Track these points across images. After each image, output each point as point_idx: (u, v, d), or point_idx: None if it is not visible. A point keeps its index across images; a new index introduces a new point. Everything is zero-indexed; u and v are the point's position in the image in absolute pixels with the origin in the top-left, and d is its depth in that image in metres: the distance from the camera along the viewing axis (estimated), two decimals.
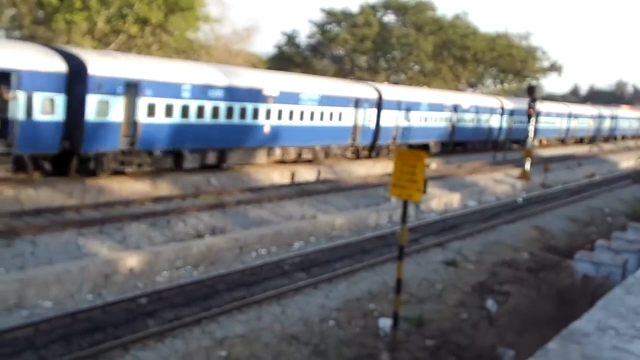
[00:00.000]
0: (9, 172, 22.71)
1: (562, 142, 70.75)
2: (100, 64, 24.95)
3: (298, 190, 28.50)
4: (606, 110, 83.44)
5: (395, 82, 69.67)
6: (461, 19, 79.29)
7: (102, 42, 44.64)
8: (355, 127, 38.60)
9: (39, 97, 22.89)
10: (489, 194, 35.93)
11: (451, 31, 75.96)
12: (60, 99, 23.59)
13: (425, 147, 43.89)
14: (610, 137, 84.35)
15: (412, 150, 13.28)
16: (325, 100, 36.02)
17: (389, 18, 78.29)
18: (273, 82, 33.34)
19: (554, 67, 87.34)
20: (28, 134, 22.70)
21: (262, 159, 32.66)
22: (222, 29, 57.42)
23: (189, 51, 50.60)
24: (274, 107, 32.52)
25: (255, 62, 65.23)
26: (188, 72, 28.95)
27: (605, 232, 24.62)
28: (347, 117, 37.85)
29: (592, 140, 77.39)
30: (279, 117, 32.86)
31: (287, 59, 72.14)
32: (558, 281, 16.19)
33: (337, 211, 26.52)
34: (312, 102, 35.10)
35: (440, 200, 31.35)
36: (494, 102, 56.29)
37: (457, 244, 23.77)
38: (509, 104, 57.43)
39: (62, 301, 15.41)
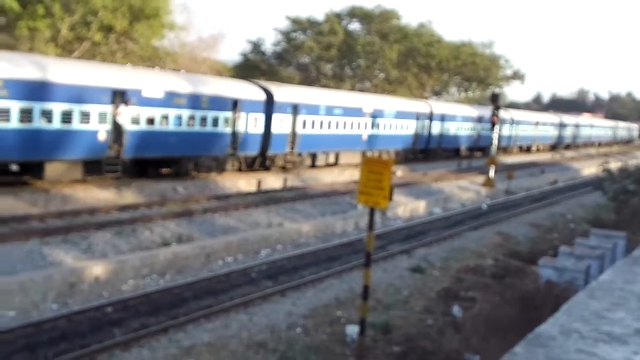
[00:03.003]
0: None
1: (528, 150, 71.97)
2: (280, 93, 35.57)
3: (265, 198, 28.50)
4: (568, 119, 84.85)
5: (361, 90, 69.94)
6: (426, 27, 79.88)
7: (66, 50, 44.24)
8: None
9: (252, 117, 33.43)
10: (454, 202, 36.24)
11: (416, 40, 76.47)
12: (261, 118, 34.09)
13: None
14: (573, 144, 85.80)
15: (379, 159, 13.38)
16: None
17: (355, 26, 78.60)
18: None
19: (517, 76, 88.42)
20: (246, 142, 33.29)
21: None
22: (187, 36, 57.33)
23: (154, 59, 50.36)
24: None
25: (220, 70, 65.13)
26: (329, 97, 40.98)
27: (568, 238, 24.95)
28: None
29: (555, 147, 78.66)
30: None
31: (253, 66, 72.06)
32: (522, 287, 16.37)
33: (304, 219, 26.56)
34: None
35: (407, 208, 31.54)
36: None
37: (423, 251, 23.96)
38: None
39: (26, 311, 15.21)
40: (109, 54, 46.63)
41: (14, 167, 23.71)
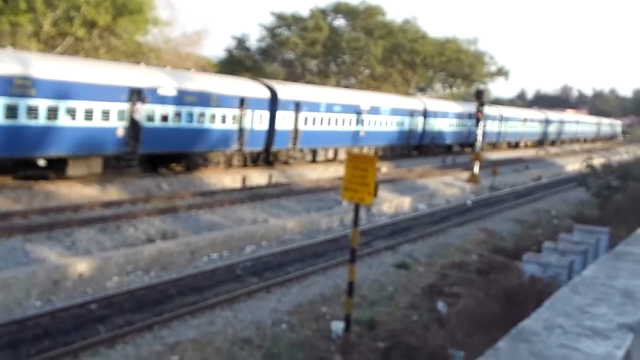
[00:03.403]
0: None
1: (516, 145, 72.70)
2: (283, 90, 36.82)
3: (250, 195, 28.47)
4: (553, 115, 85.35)
5: (346, 86, 69.96)
6: (410, 23, 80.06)
7: (49, 45, 43.94)
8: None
9: (257, 114, 34.65)
10: (439, 197, 36.34)
11: (401, 36, 76.62)
12: (266, 115, 35.23)
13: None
14: (558, 140, 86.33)
15: (364, 154, 13.40)
16: None
17: (339, 22, 78.65)
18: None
19: (501, 72, 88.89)
20: (251, 138, 34.34)
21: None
22: (171, 32, 57.13)
23: (138, 54, 50.10)
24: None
25: (205, 66, 64.93)
26: (329, 95, 42.79)
27: (552, 233, 25.07)
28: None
29: (541, 143, 79.12)
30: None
31: (237, 62, 71.92)
32: (506, 282, 16.44)
33: (289, 215, 26.55)
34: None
35: (391, 204, 31.60)
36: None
37: (408, 246, 24.02)
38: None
39: (9, 308, 15.11)
40: (92, 49, 46.37)
41: (41, 162, 24.95)
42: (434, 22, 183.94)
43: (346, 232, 23.84)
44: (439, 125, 55.79)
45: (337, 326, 14.81)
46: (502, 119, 67.20)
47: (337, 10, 77.35)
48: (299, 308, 16.54)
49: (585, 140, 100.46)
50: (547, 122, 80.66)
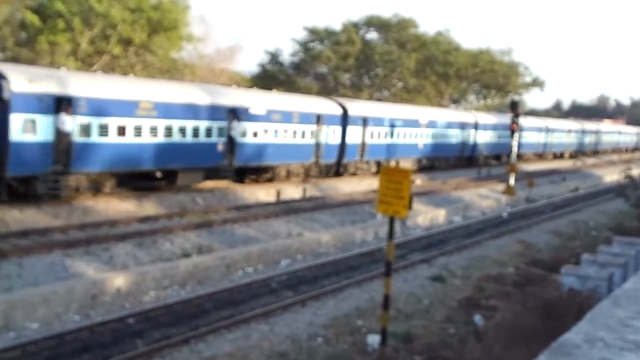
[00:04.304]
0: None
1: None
2: (352, 107, 39.78)
3: (284, 208, 28.53)
4: (590, 125, 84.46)
5: (379, 99, 69.91)
6: (444, 35, 79.77)
7: (86, 63, 44.63)
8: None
9: (331, 129, 37.70)
10: (474, 210, 36.08)
11: (434, 48, 76.40)
12: (338, 130, 38.45)
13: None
14: (594, 151, 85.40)
15: (398, 167, 13.36)
16: None
17: (372, 35, 78.64)
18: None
19: (536, 83, 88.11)
20: (326, 152, 37.67)
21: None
22: (205, 48, 57.68)
23: (172, 71, 50.68)
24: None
25: (238, 81, 65.38)
26: (392, 110, 45.40)
27: (590, 245, 24.76)
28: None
29: (576, 154, 78.30)
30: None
31: (271, 77, 72.30)
32: (544, 295, 16.26)
33: (323, 228, 26.55)
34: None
35: (426, 216, 31.45)
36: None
37: (443, 259, 23.86)
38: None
39: (49, 322, 15.32)
40: (128, 67, 46.99)
41: (158, 174, 28.39)
42: (467, 33, 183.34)
43: (381, 245, 23.78)
44: (489, 137, 57.88)
45: (373, 339, 14.75)
46: (548, 130, 68.87)
47: (370, 23, 77.41)
48: (335, 321, 16.50)
49: (626, 150, 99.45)
50: (585, 132, 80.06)
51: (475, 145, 55.92)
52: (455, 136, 52.61)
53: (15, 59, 40.66)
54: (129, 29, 44.15)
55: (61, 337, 14.07)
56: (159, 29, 46.00)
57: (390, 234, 13.26)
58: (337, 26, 76.71)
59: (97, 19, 43.23)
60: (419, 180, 41.83)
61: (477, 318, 16.88)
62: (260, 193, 32.30)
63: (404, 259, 22.93)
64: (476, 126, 55.68)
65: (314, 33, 75.98)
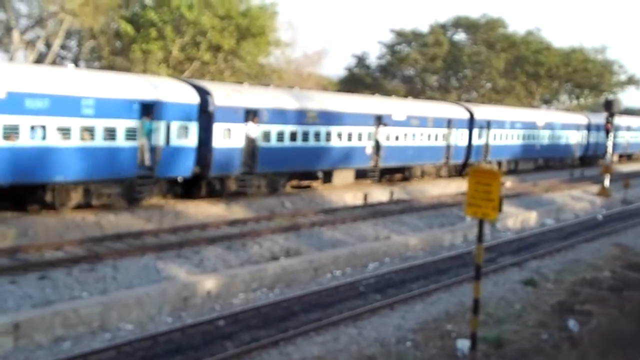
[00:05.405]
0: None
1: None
2: (478, 111, 43.23)
3: (371, 211, 28.47)
4: None
5: (467, 101, 68.99)
6: (534, 34, 78.01)
7: (177, 70, 45.74)
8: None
9: (459, 132, 41.32)
10: (567, 212, 35.14)
11: (524, 47, 74.82)
12: (465, 133, 41.99)
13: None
14: None
15: (487, 169, 13.12)
16: None
17: (460, 36, 77.74)
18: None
19: (632, 81, 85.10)
20: (455, 153, 41.17)
21: None
22: (293, 53, 58.22)
23: (260, 76, 51.36)
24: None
25: (325, 85, 65.74)
26: (512, 114, 47.98)
27: None
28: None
29: None
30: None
31: (357, 80, 72.38)
32: None
33: (411, 231, 26.35)
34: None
35: (517, 219, 30.81)
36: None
37: (535, 263, 23.32)
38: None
39: (142, 324, 15.73)
40: (217, 73, 47.91)
41: (319, 174, 32.83)
42: (559, 32, 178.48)
43: (470, 249, 23.43)
44: (600, 137, 57.68)
45: (463, 344, 14.53)
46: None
47: (457, 24, 76.53)
48: (424, 325, 16.33)
49: None
50: None
51: (588, 146, 57.94)
52: (570, 137, 54.99)
53: (110, 67, 42.07)
54: (219, 35, 45.00)
55: (154, 339, 14.42)
56: (248, 35, 46.69)
57: (480, 236, 13.02)
58: (424, 28, 76.29)
59: (188, 26, 44.24)
60: (509, 182, 41.10)
61: (572, 323, 16.40)
62: (348, 196, 32.33)
63: (494, 263, 22.53)
64: (589, 127, 57.56)
65: (401, 35, 75.66)
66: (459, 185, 38.11)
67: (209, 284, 17.69)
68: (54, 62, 43.83)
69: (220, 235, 21.80)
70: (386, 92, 57.68)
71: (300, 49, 69.60)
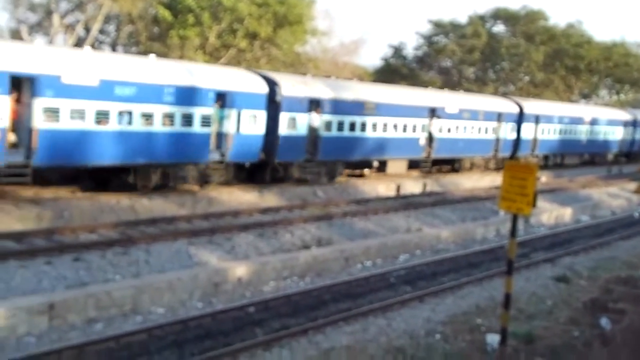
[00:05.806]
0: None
1: None
2: (527, 106, 43.77)
3: (404, 203, 28.39)
4: None
5: (504, 94, 68.33)
6: (575, 27, 76.73)
7: (213, 57, 45.93)
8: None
9: (509, 126, 42.19)
10: (603, 209, 34.72)
11: (564, 41, 73.68)
12: (514, 127, 42.86)
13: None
14: None
15: (523, 163, 12.99)
16: None
17: (499, 28, 76.80)
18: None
19: None
20: (504, 146, 41.93)
21: None
22: (329, 42, 58.14)
23: (296, 64, 51.36)
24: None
25: (361, 75, 65.56)
26: (560, 108, 48.52)
27: None
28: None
29: None
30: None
31: (394, 70, 72.00)
32: None
33: (443, 224, 26.23)
34: None
35: (551, 215, 30.50)
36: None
37: (569, 259, 23.08)
38: None
39: (174, 308, 15.89)
40: (253, 60, 48.00)
41: (375, 163, 34.10)
42: (601, 25, 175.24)
43: (502, 243, 23.26)
44: None
45: (493, 339, 14.45)
46: None
47: (496, 16, 75.61)
48: (453, 319, 16.28)
49: None
50: None
51: (633, 142, 58.43)
52: (615, 133, 55.15)
53: (147, 53, 42.36)
54: (256, 23, 45.08)
55: (185, 323, 14.55)
56: (285, 23, 46.71)
57: (513, 231, 12.91)
58: (462, 19, 75.51)
59: (225, 13, 44.38)
60: (544, 177, 40.69)
61: (604, 321, 16.21)
62: (380, 187, 32.26)
63: (526, 258, 22.35)
64: (634, 123, 57.99)
65: (439, 26, 75.02)
66: (493, 179, 37.88)
67: (240, 270, 17.80)
68: (92, 46, 44.28)
69: (252, 223, 21.90)
70: (422, 83, 57.41)
71: (337, 38, 69.75)
